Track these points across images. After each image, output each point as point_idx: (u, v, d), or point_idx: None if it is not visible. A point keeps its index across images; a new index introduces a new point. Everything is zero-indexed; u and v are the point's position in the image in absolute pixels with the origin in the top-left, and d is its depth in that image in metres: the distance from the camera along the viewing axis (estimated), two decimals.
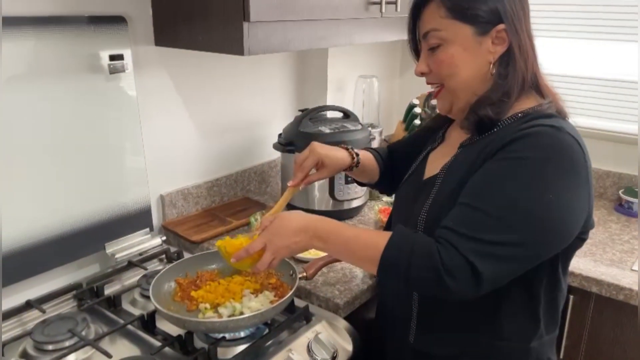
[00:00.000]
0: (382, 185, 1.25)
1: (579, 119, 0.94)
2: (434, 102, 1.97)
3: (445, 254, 0.79)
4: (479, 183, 0.85)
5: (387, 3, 1.47)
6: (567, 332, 1.41)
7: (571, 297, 1.37)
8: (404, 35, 1.64)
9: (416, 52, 1.01)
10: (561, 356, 1.42)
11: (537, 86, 0.94)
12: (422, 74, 0.97)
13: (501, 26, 0.89)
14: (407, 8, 1.55)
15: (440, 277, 0.78)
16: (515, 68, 0.90)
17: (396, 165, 1.21)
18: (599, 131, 1.81)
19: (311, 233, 0.92)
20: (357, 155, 1.17)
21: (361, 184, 1.30)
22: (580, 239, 0.90)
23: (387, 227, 1.14)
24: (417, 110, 1.93)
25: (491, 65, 0.91)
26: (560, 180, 0.81)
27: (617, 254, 1.46)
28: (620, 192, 1.76)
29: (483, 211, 0.80)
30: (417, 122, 1.93)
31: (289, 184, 1.11)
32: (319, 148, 1.13)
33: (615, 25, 1.74)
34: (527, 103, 0.92)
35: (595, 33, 1.79)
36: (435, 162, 1.02)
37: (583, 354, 1.41)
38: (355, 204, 1.60)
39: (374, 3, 1.44)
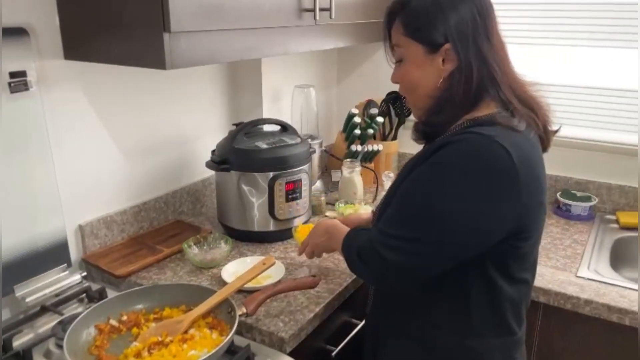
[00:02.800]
0: None
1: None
2: (372, 111, 1.93)
3: (362, 245, 0.96)
4: (405, 185, 0.94)
5: (321, 10, 1.39)
6: None
7: None
8: (340, 43, 1.60)
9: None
10: None
11: (500, 97, 0.93)
12: (396, 83, 1.02)
13: (447, 45, 0.91)
14: (342, 15, 1.51)
15: (353, 261, 0.99)
16: (459, 84, 0.92)
17: None
18: None
19: (328, 234, 1.15)
20: None
21: None
22: (512, 246, 0.91)
23: None
24: (357, 119, 1.88)
25: (440, 82, 0.95)
26: (473, 188, 0.85)
27: (560, 259, 1.46)
28: (557, 194, 1.79)
29: (397, 210, 0.93)
30: (357, 131, 1.87)
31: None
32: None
33: (606, 32, 1.69)
34: (482, 111, 0.93)
35: (581, 40, 1.74)
36: None
37: None
38: (297, 222, 1.51)
39: (307, 10, 1.36)
